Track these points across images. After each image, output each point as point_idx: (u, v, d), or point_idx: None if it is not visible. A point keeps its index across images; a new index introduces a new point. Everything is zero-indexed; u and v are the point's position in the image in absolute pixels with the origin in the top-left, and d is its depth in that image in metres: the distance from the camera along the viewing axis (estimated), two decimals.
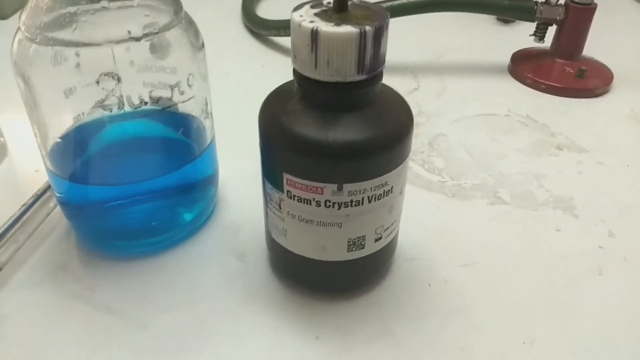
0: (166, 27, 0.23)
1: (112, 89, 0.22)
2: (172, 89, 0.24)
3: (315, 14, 0.20)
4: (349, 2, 0.21)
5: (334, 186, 0.21)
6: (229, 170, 0.32)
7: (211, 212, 0.30)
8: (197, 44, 0.25)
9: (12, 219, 0.29)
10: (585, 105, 0.43)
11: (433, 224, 0.30)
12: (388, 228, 0.24)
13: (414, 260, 0.28)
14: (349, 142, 0.21)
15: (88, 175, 0.27)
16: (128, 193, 0.27)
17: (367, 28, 0.19)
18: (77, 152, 0.27)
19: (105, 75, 0.22)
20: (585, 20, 0.44)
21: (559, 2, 0.44)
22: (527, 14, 0.45)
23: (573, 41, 0.45)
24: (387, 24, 0.20)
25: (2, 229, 0.28)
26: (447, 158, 0.36)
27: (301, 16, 0.20)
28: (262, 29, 0.52)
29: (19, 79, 0.23)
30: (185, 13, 0.25)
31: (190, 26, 0.25)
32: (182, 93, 0.24)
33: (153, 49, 0.23)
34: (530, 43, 0.47)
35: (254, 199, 0.30)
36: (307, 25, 0.20)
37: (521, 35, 0.49)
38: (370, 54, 0.20)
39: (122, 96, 0.23)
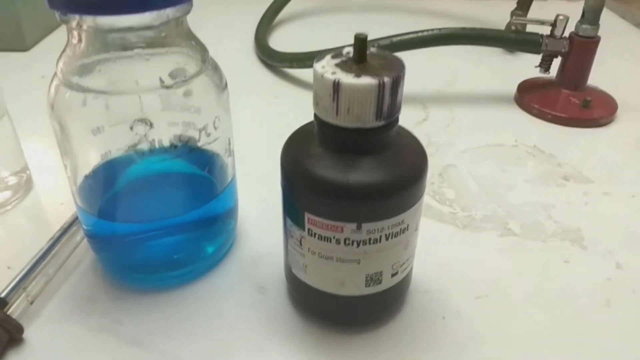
0: (195, 75, 0.25)
1: (145, 134, 0.24)
2: (199, 132, 0.25)
3: (336, 65, 0.22)
4: (367, 52, 0.22)
5: (354, 225, 0.22)
6: (246, 201, 0.33)
7: (231, 244, 0.32)
8: (222, 85, 0.27)
9: (41, 252, 0.30)
10: (591, 135, 0.44)
11: (446, 256, 0.31)
12: (404, 264, 0.25)
13: (428, 293, 0.28)
14: (368, 184, 0.22)
15: (115, 212, 0.28)
16: (153, 228, 0.28)
17: (385, 79, 0.21)
18: (105, 188, 0.28)
19: (138, 121, 0.23)
20: (589, 53, 0.45)
21: (563, 35, 0.46)
22: (532, 47, 0.46)
23: (578, 73, 0.46)
24: (404, 74, 0.22)
25: (32, 262, 0.29)
26: (457, 189, 0.37)
27: (323, 67, 0.22)
28: (274, 60, 0.54)
29: (55, 123, 0.25)
30: (211, 58, 0.27)
31: (216, 71, 0.26)
32: (208, 135, 0.26)
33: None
34: (536, 73, 0.49)
35: (272, 231, 0.32)
36: (329, 76, 0.21)
37: (527, 65, 0.51)
38: (388, 103, 0.21)
39: (154, 140, 0.24)
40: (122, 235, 0.28)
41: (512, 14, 0.56)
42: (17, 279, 0.28)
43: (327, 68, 0.22)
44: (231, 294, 0.29)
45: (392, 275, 0.25)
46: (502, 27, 0.59)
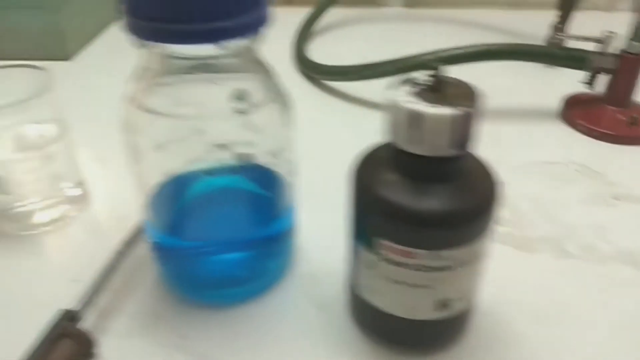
0: (263, 99, 0.25)
1: (213, 154, 0.24)
2: (265, 154, 0.26)
3: (411, 93, 0.22)
4: (443, 81, 0.22)
5: (427, 252, 0.23)
6: (305, 218, 0.33)
7: (291, 262, 0.32)
8: (288, 109, 0.27)
9: (107, 265, 0.31)
10: (638, 153, 0.44)
11: (503, 277, 0.31)
12: (472, 290, 0.25)
13: (490, 316, 0.29)
14: (445, 212, 0.22)
15: (181, 227, 0.29)
16: (217, 245, 0.29)
17: (464, 109, 0.21)
18: (172, 204, 0.29)
19: (215, 145, 0.24)
20: (638, 70, 0.45)
21: (611, 52, 0.45)
22: (580, 64, 0.46)
23: (625, 89, 0.46)
24: (481, 103, 0.22)
25: (99, 276, 0.30)
26: (511, 208, 0.37)
27: (399, 96, 0.22)
28: (316, 73, 0.54)
29: (125, 139, 0.26)
30: (279, 83, 0.27)
31: (283, 95, 0.27)
32: (274, 157, 0.26)
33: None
34: (579, 87, 0.48)
35: (331, 249, 0.32)
36: (408, 106, 0.21)
37: (568, 79, 0.50)
38: (465, 132, 0.22)
39: (221, 160, 0.25)
40: (186, 250, 0.29)
41: (554, 28, 0.55)
42: (87, 292, 0.29)
43: (403, 97, 0.22)
44: (293, 311, 0.29)
45: (460, 301, 0.25)
46: (537, 38, 0.59)
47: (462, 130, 0.21)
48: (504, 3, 0.76)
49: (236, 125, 0.25)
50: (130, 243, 0.33)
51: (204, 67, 0.24)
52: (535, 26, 0.63)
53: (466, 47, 0.46)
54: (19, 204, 0.33)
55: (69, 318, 0.27)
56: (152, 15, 0.22)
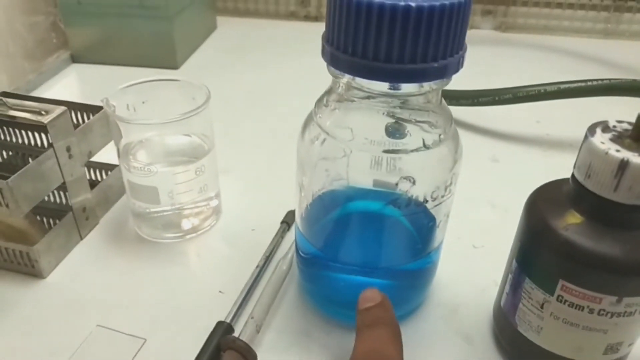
0: (439, 140, 0.25)
1: (407, 190, 0.25)
2: (428, 195, 0.26)
3: (612, 140, 0.22)
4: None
5: (614, 298, 0.23)
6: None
7: (429, 290, 0.32)
8: (458, 154, 0.27)
9: (252, 279, 0.32)
10: None
11: None
12: None
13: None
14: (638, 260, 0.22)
15: (332, 244, 0.29)
16: (363, 268, 0.29)
17: None
18: (328, 220, 0.30)
19: (404, 178, 0.25)
20: None
21: None
22: None
23: None
24: None
25: (247, 289, 0.31)
26: None
27: (603, 143, 0.22)
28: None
29: (300, 153, 0.27)
30: (454, 127, 0.27)
31: (455, 139, 0.27)
32: (441, 196, 0.26)
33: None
34: None
35: (466, 279, 0.32)
36: (615, 154, 0.21)
37: None
38: None
39: (412, 197, 0.25)
40: (334, 267, 0.30)
41: None
42: (237, 305, 0.30)
43: (607, 144, 0.22)
44: (438, 339, 0.30)
45: (629, 345, 0.25)
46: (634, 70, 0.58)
47: None
48: (600, 32, 0.75)
49: (409, 163, 0.25)
50: (269, 257, 0.34)
51: (391, 103, 0.25)
52: (629, 57, 0.63)
53: (587, 80, 0.46)
54: (167, 212, 0.35)
55: (228, 331, 0.29)
56: (358, 51, 0.22)
